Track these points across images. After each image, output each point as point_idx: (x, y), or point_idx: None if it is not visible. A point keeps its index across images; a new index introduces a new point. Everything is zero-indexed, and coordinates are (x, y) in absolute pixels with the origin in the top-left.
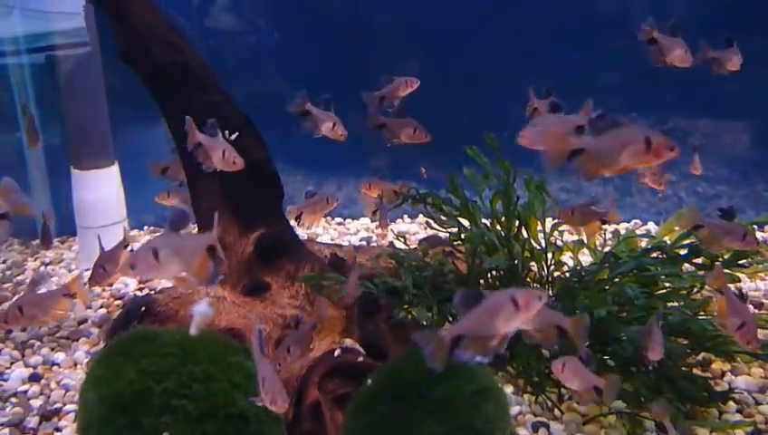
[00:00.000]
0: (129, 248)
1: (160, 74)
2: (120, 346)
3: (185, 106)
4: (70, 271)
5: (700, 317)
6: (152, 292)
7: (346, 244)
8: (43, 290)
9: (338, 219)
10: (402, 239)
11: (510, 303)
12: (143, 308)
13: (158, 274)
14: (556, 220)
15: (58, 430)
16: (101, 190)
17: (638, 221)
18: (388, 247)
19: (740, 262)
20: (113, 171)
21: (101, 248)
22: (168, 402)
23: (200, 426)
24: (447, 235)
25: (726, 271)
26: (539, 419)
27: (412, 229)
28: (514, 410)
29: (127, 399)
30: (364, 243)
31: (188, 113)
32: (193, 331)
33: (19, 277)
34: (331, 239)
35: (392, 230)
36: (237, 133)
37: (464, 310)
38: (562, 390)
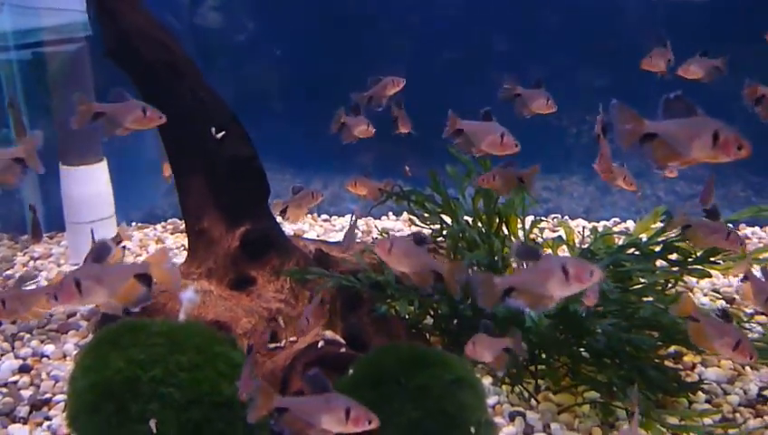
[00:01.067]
0: (122, 245)
1: (148, 72)
2: (108, 336)
3: (171, 103)
4: (59, 266)
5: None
6: None
7: (332, 240)
8: (31, 287)
9: (324, 216)
10: (386, 235)
11: (561, 271)
12: None
13: (80, 303)
14: (478, 187)
15: (48, 418)
16: (90, 187)
17: (617, 219)
18: (372, 244)
19: (712, 259)
20: (101, 168)
21: (94, 242)
22: (155, 390)
23: (186, 413)
24: (430, 231)
25: (698, 267)
26: (516, 408)
27: (397, 226)
28: (492, 400)
29: (115, 386)
30: None
31: (176, 111)
32: (182, 316)
33: (8, 272)
34: (317, 236)
35: (376, 226)
36: (223, 132)
37: (518, 262)
38: (539, 381)
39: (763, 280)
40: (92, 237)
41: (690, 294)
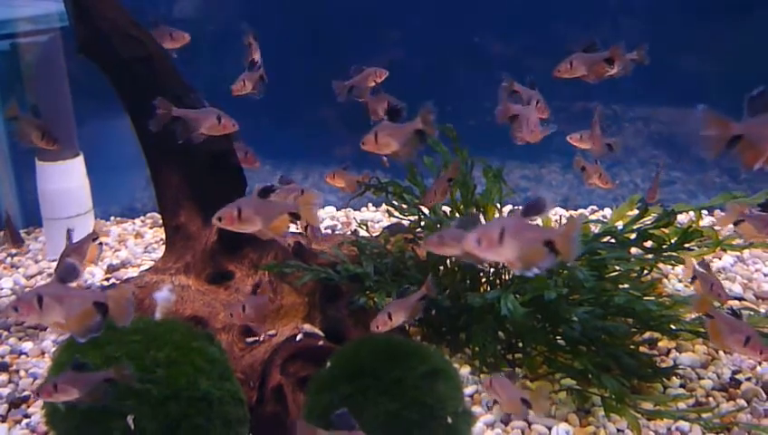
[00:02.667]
0: (98, 242)
1: (122, 68)
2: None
3: (146, 98)
4: (36, 262)
5: (647, 298)
6: (118, 281)
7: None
8: None
9: None
10: (365, 227)
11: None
12: None
13: (38, 319)
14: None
15: (27, 416)
16: (66, 182)
17: (594, 207)
18: (350, 235)
19: (686, 245)
20: (78, 163)
21: (70, 241)
22: (131, 386)
23: (163, 408)
24: (408, 222)
25: (672, 254)
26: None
27: (376, 217)
28: (471, 389)
29: None
30: (329, 231)
31: (150, 105)
32: (158, 315)
33: None
34: (297, 228)
35: (355, 219)
36: None
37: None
38: (516, 369)
39: (706, 274)
40: (69, 237)
41: (666, 280)
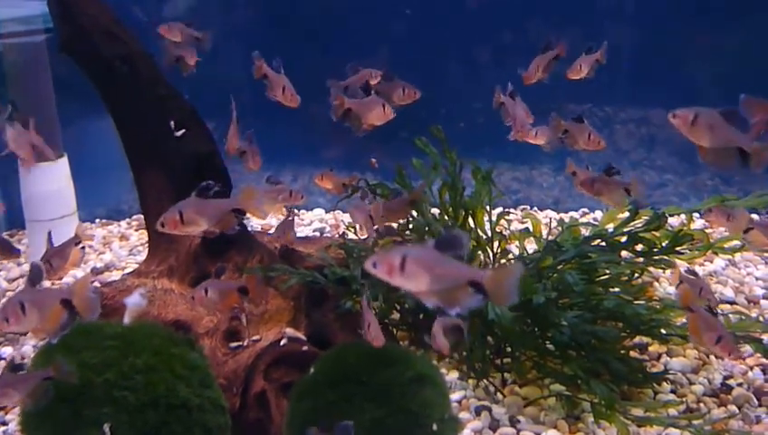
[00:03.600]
0: (81, 246)
1: (104, 67)
2: (61, 340)
3: (129, 99)
4: (19, 265)
5: (637, 302)
6: (101, 285)
7: (300, 235)
8: None
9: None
10: (353, 230)
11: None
12: None
13: (23, 326)
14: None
15: (4, 423)
16: (50, 184)
17: (586, 209)
18: (338, 238)
19: (677, 248)
20: (62, 164)
21: (50, 244)
22: (109, 394)
23: (141, 416)
24: (397, 225)
25: (663, 257)
26: (482, 403)
27: None
28: (458, 395)
29: (68, 391)
30: (317, 234)
31: (133, 106)
32: (126, 321)
33: None
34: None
35: (344, 221)
36: (183, 130)
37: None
38: (505, 375)
39: (694, 278)
40: (49, 240)
41: (657, 283)
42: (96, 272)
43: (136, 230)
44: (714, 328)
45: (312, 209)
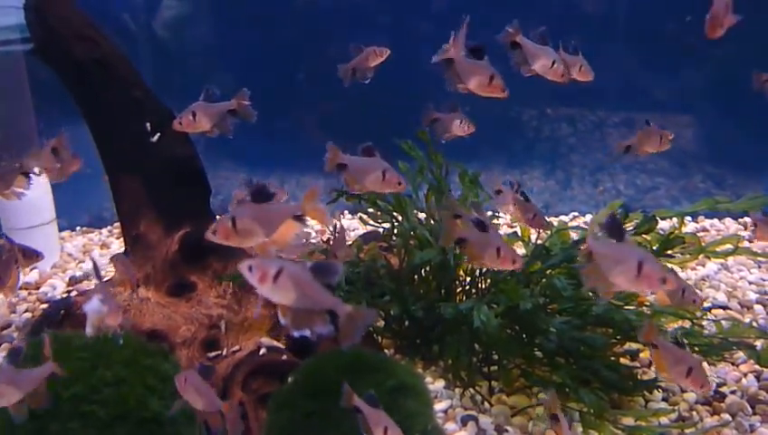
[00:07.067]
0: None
1: (77, 70)
2: (28, 352)
3: (104, 103)
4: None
5: (627, 308)
6: (79, 294)
7: None
8: None
9: None
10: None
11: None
12: (63, 311)
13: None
14: None
15: None
16: (28, 191)
17: (576, 213)
18: (323, 244)
19: (668, 252)
20: None
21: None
22: (76, 408)
23: (111, 430)
24: (382, 230)
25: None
26: (468, 412)
27: (352, 226)
28: (444, 404)
29: None
30: (303, 239)
31: (108, 110)
32: (89, 330)
33: None
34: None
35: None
36: (159, 134)
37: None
38: (492, 383)
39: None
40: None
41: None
42: (74, 281)
43: (117, 238)
44: (682, 360)
45: None
